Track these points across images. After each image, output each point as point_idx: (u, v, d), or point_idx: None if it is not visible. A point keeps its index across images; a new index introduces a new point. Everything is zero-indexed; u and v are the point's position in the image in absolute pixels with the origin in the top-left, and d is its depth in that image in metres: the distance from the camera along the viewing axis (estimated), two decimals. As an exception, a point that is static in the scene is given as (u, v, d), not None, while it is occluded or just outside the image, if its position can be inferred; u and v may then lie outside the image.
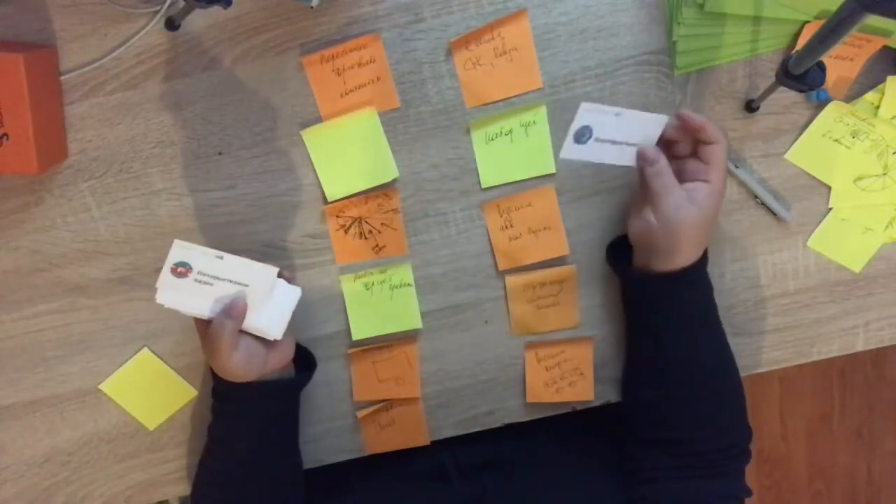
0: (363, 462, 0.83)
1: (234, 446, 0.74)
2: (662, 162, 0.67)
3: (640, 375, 0.77)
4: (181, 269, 0.67)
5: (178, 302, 0.68)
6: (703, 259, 0.70)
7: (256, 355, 0.69)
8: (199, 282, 0.67)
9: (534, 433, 0.84)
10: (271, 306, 0.69)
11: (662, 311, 0.72)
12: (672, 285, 0.70)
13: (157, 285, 0.67)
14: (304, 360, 0.78)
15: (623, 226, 0.77)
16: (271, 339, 0.69)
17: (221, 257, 0.67)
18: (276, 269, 0.68)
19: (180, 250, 0.67)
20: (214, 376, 0.72)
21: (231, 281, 0.67)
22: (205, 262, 0.67)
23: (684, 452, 0.72)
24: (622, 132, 0.68)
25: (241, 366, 0.68)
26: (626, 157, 0.69)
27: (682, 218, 0.66)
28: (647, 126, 0.68)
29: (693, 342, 0.72)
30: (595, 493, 0.75)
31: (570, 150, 0.68)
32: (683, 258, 0.68)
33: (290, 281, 0.71)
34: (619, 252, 0.75)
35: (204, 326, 0.69)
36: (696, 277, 0.70)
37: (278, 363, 0.72)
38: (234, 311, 0.66)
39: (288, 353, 0.73)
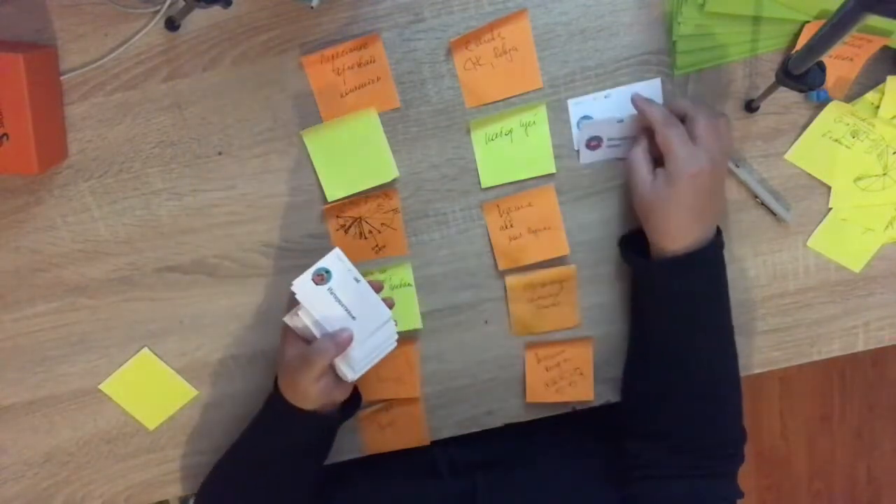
0: (355, 459, 0.83)
1: (265, 457, 0.74)
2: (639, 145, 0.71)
3: (635, 365, 0.77)
4: (320, 277, 0.66)
5: (309, 300, 0.66)
6: (706, 248, 0.69)
7: (331, 388, 0.69)
8: (330, 294, 0.66)
9: (529, 432, 0.84)
10: (367, 348, 0.68)
11: (656, 296, 0.72)
12: (666, 269, 0.70)
13: (294, 282, 0.66)
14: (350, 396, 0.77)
15: (627, 222, 0.78)
16: (347, 379, 0.69)
17: (358, 280, 0.67)
18: (389, 313, 0.68)
19: (334, 260, 0.66)
20: (276, 387, 0.72)
21: (346, 308, 0.67)
22: (342, 278, 0.66)
23: (677, 449, 0.72)
24: (624, 120, 0.74)
25: (317, 395, 0.68)
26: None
27: (645, 203, 0.69)
28: (642, 93, 0.73)
29: (687, 332, 0.71)
30: (589, 491, 0.75)
31: (587, 156, 0.75)
32: (672, 241, 0.68)
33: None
34: (634, 245, 0.75)
35: (293, 338, 0.69)
36: (693, 263, 0.69)
37: (339, 399, 0.72)
38: (341, 339, 0.66)
39: (348, 392, 0.73)
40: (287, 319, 0.69)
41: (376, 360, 0.70)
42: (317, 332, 0.67)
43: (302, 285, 0.66)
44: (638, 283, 0.76)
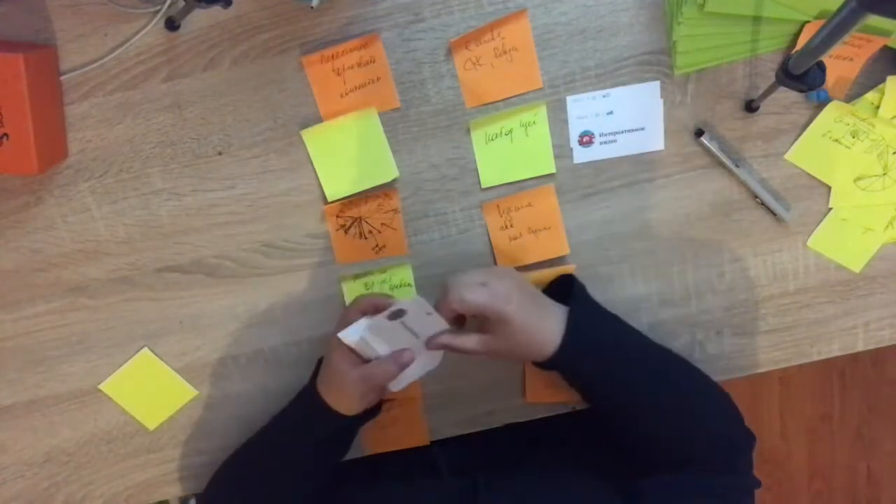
0: (355, 459, 0.83)
1: (292, 451, 0.74)
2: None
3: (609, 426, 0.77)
4: (395, 314, 0.66)
5: (371, 338, 0.67)
6: (572, 318, 0.69)
7: (372, 398, 0.71)
8: (403, 325, 0.67)
9: (530, 432, 0.84)
10: (419, 364, 0.69)
11: (584, 378, 0.72)
12: (570, 356, 0.69)
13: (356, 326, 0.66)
14: None
15: (627, 222, 0.78)
16: (392, 390, 0.69)
17: (430, 314, 0.66)
18: (446, 325, 0.68)
19: (412, 305, 0.65)
20: (312, 384, 0.72)
21: (412, 331, 0.67)
22: (416, 313, 0.66)
23: (676, 448, 0.71)
24: (620, 120, 0.74)
25: (360, 405, 0.70)
26: (636, 145, 0.74)
27: (516, 352, 0.69)
28: (641, 95, 0.74)
29: (626, 382, 0.71)
30: (589, 490, 0.75)
31: (580, 154, 0.74)
32: (549, 342, 0.68)
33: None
34: None
35: (345, 350, 0.68)
36: (580, 338, 0.69)
37: (371, 405, 0.73)
38: (403, 360, 0.67)
39: (378, 399, 0.73)
40: (343, 337, 0.67)
41: (421, 373, 0.70)
42: (381, 353, 0.68)
43: (377, 322, 0.66)
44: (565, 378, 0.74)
